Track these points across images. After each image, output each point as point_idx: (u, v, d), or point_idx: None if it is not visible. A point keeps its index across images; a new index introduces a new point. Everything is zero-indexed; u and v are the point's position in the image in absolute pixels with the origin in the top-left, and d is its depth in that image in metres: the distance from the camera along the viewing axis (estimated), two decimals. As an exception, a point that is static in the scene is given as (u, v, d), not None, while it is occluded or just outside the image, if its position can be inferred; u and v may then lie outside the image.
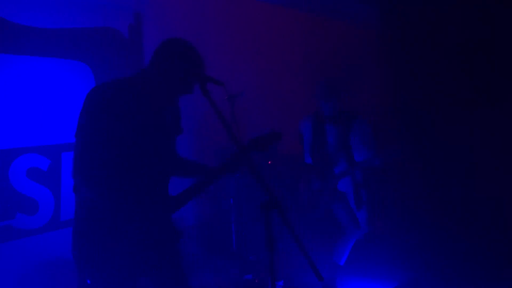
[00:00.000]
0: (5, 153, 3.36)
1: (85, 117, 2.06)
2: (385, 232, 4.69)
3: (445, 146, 4.71)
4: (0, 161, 3.33)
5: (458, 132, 4.75)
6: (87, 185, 2.02)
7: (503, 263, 3.94)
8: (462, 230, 4.39)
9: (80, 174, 2.02)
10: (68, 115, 3.63)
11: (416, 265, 4.05)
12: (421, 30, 4.77)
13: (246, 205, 4.33)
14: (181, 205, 2.25)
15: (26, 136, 3.50)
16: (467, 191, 4.62)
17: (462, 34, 4.70)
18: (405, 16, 4.84)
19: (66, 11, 3.72)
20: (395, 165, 4.64)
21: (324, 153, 3.83)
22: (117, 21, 4.09)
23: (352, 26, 6.02)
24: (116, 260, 2.04)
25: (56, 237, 3.57)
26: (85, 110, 2.07)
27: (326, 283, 3.77)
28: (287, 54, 5.76)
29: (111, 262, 2.03)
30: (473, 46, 4.66)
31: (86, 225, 2.06)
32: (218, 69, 3.97)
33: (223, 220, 4.40)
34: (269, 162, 5.09)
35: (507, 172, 4.44)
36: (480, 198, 4.54)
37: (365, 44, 5.47)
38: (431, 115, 4.78)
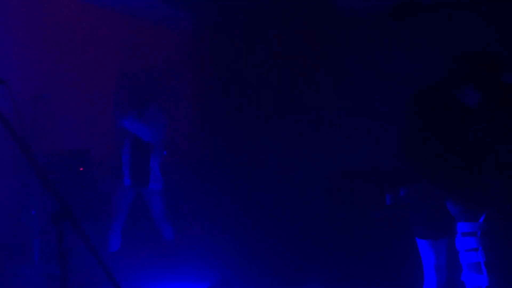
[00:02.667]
0: None
1: None
2: (198, 234, 4.74)
3: (254, 150, 4.93)
4: None
5: (269, 136, 5.02)
6: None
7: (311, 262, 4.24)
8: (272, 231, 4.62)
9: None
10: None
11: (228, 265, 4.15)
12: (238, 37, 4.93)
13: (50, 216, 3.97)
14: None
15: None
16: (277, 193, 4.90)
17: (278, 44, 4.99)
18: (220, 23, 4.94)
19: None
20: (203, 169, 4.73)
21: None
22: None
23: (166, 29, 6.00)
24: None
25: None
26: None
27: None
28: (100, 55, 5.49)
29: None
30: (289, 56, 5.00)
31: None
32: (13, 69, 3.57)
33: (23, 233, 3.98)
34: (81, 169, 4.80)
35: (315, 174, 4.85)
36: (290, 199, 4.85)
37: (179, 46, 5.48)
38: (244, 118, 4.96)
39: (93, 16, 5.36)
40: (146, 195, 4.15)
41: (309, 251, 4.40)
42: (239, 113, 4.94)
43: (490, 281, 2.25)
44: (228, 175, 4.75)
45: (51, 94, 4.06)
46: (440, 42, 3.86)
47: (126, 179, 4.08)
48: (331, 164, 4.95)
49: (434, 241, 2.47)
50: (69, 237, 1.89)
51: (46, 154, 4.43)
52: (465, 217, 2.31)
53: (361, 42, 4.99)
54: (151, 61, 5.59)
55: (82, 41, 5.23)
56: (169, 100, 4.95)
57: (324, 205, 4.87)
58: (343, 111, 4.98)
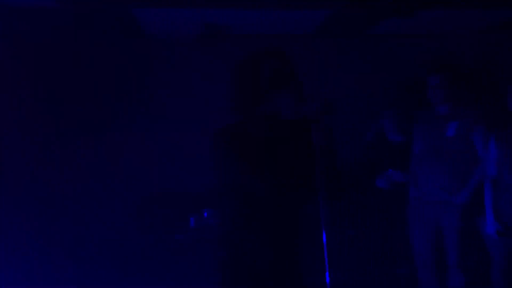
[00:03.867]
0: None
1: None
2: None
3: (57, 172, 4.65)
4: None
5: (75, 158, 4.76)
6: None
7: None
8: (76, 256, 4.36)
9: None
10: None
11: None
12: (41, 55, 4.60)
13: None
14: None
15: None
16: (82, 218, 4.66)
17: (83, 63, 4.79)
18: (23, 37, 4.55)
19: None
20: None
21: None
22: None
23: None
24: None
25: None
26: None
27: None
28: None
29: None
30: (95, 76, 4.83)
31: None
32: None
33: None
34: None
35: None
36: (95, 225, 4.65)
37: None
38: (44, 139, 4.64)
39: None
40: None
41: (114, 274, 4.24)
42: (38, 133, 4.59)
43: None
44: (23, 203, 4.33)
45: None
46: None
47: None
48: (136, 188, 4.87)
49: None
50: None
51: None
52: None
53: (168, 66, 5.05)
54: None
55: None
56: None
57: (129, 228, 4.76)
58: (148, 134, 4.95)
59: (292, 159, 2.00)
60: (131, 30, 4.79)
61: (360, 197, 4.62)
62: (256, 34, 4.94)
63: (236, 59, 2.12)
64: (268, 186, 1.95)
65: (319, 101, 1.90)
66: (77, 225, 4.61)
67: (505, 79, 3.50)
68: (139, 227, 4.73)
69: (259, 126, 2.04)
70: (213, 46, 4.84)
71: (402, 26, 4.65)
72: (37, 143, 4.57)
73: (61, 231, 4.53)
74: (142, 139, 4.93)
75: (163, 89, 5.02)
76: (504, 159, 3.38)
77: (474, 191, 3.58)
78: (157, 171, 4.90)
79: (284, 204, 2.02)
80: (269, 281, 2.02)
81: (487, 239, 3.52)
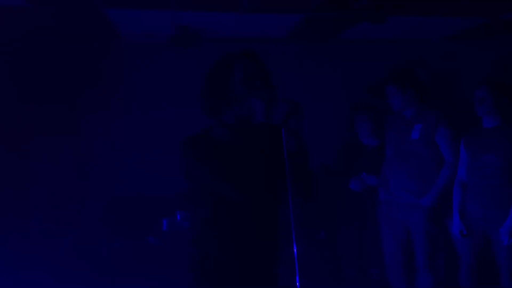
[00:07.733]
0: None
1: None
2: None
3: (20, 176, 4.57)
4: None
5: (42, 161, 4.69)
6: None
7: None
8: (42, 262, 4.27)
9: None
10: None
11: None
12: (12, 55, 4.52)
13: None
14: None
15: None
16: (48, 222, 4.58)
17: (55, 65, 4.72)
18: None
19: None
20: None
21: None
22: None
23: None
24: None
25: None
26: None
27: None
28: None
29: None
30: (67, 77, 4.77)
31: None
32: None
33: None
34: None
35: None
36: (66, 229, 4.58)
37: None
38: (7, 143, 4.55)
39: None
40: None
41: (87, 278, 4.21)
42: (7, 133, 4.51)
43: None
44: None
45: None
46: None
47: None
48: (106, 191, 4.82)
49: None
50: None
51: None
52: None
53: (141, 67, 5.02)
54: None
55: None
56: None
57: (101, 232, 4.71)
58: (120, 136, 4.91)
59: (262, 163, 2.00)
60: (104, 31, 4.75)
61: (332, 199, 4.66)
62: (228, 38, 4.95)
63: (208, 62, 2.10)
64: (238, 191, 1.96)
65: (286, 104, 1.91)
66: (48, 228, 4.54)
67: (471, 84, 3.56)
68: (111, 230, 4.68)
69: (227, 132, 2.03)
70: (185, 49, 4.84)
71: (373, 31, 4.72)
72: (5, 144, 4.49)
73: (31, 233, 4.45)
74: (115, 140, 4.88)
75: (137, 90, 4.99)
76: (471, 163, 3.46)
77: (441, 193, 3.64)
78: (129, 173, 4.86)
79: (255, 208, 2.03)
80: (239, 284, 2.02)
81: (455, 240, 3.59)
